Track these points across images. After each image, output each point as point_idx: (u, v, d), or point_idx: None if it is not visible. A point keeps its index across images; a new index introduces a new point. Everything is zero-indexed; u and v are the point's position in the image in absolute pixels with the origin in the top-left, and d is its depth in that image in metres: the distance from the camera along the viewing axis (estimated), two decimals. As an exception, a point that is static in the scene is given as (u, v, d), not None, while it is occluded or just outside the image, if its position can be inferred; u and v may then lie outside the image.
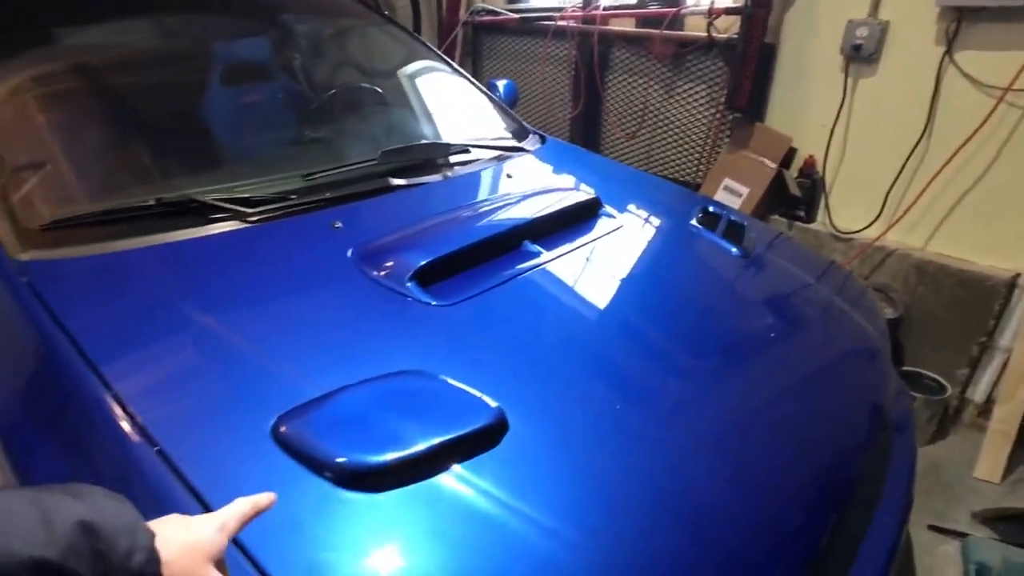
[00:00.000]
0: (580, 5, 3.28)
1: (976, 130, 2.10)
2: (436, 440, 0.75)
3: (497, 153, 1.82)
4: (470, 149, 1.77)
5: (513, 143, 1.96)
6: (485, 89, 2.34)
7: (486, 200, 1.45)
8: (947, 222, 2.32)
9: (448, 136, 2.02)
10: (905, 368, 2.43)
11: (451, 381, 0.84)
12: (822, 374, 1.29)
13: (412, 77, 2.33)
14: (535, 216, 1.35)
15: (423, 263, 1.06)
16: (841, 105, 2.44)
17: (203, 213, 1.18)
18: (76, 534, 0.46)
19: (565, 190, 1.58)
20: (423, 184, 1.49)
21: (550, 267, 1.24)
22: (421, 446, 0.74)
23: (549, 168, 1.84)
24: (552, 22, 3.39)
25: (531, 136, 2.10)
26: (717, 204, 1.85)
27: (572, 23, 3.29)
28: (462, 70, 2.31)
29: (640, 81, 3.18)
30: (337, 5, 2.27)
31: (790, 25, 2.53)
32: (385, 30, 2.33)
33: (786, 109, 2.66)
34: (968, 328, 2.29)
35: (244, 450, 0.76)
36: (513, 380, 0.93)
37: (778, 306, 1.44)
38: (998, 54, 2.02)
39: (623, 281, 1.28)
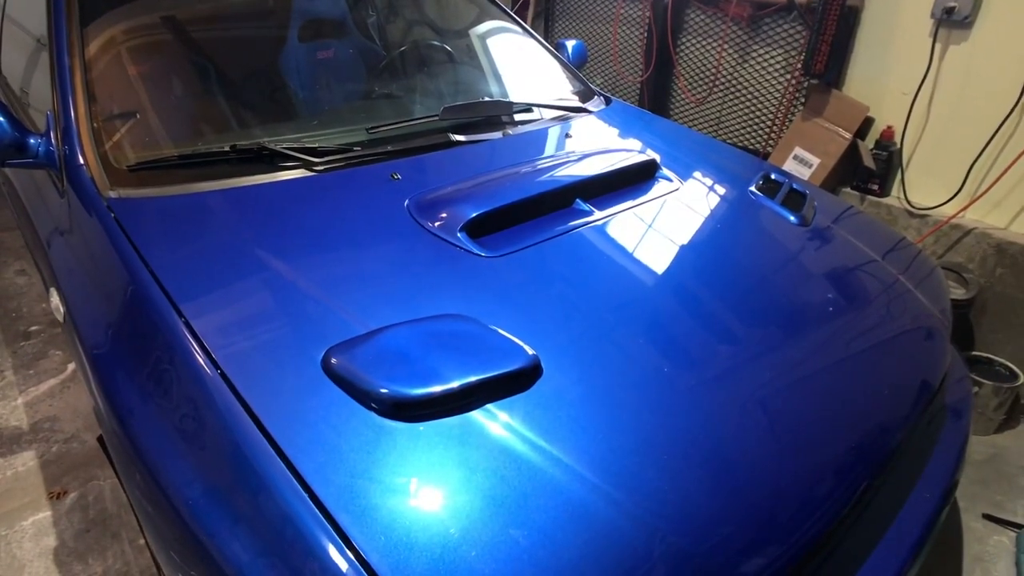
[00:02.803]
0: (656, -36, 3.18)
1: (1075, 102, 1.95)
2: (473, 378, 0.80)
3: (560, 113, 1.83)
4: (532, 108, 1.79)
5: (577, 103, 1.96)
6: (553, 49, 2.33)
7: (543, 158, 1.48)
8: (1033, 203, 2.18)
9: (512, 95, 2.05)
10: (975, 353, 2.33)
11: (492, 327, 0.88)
12: (871, 348, 1.27)
13: (481, 37, 2.35)
14: (589, 175, 1.36)
15: (473, 215, 1.11)
16: (927, 72, 2.31)
17: (273, 161, 1.26)
18: None
19: (623, 151, 1.58)
20: (483, 141, 1.53)
21: (600, 226, 1.25)
22: (458, 383, 0.79)
23: (611, 130, 1.84)
24: (627, -20, 3.30)
25: (596, 98, 2.09)
26: (780, 171, 1.81)
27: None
28: (531, 30, 2.30)
29: (714, 44, 3.08)
30: None
31: (878, -15, 2.40)
32: None
33: (866, 76, 2.53)
34: (1047, 315, 2.17)
35: (299, 381, 0.83)
36: (553, 331, 0.96)
37: (833, 277, 1.41)
38: (1107, 19, 1.86)
39: (674, 244, 1.29)
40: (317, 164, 1.26)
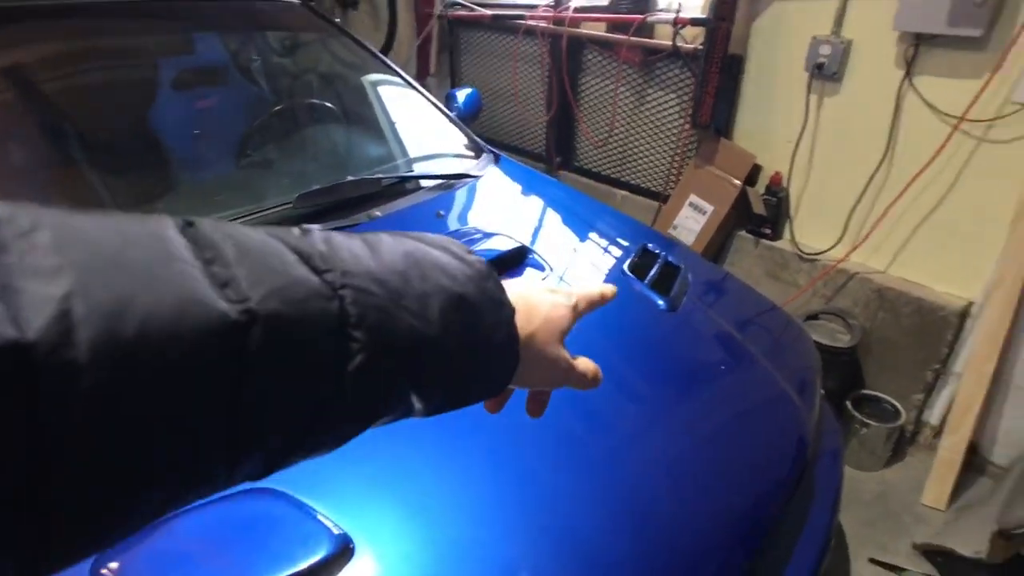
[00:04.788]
0: (551, 5, 3.19)
1: (933, 157, 2.04)
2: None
3: (437, 183, 1.78)
4: (407, 181, 1.74)
5: (459, 168, 1.91)
6: (439, 104, 2.28)
7: None
8: (907, 248, 2.27)
9: (390, 162, 1.98)
10: (864, 392, 2.41)
11: (301, 501, 0.81)
12: (736, 429, 1.28)
13: (353, 96, 2.28)
14: None
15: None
16: (805, 123, 2.38)
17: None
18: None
19: (492, 236, 1.54)
20: (343, 230, 1.45)
21: None
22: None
23: (488, 201, 1.80)
24: (523, 21, 3.30)
25: (483, 157, 2.05)
26: (660, 239, 1.82)
27: (543, 23, 3.20)
28: (413, 82, 2.24)
29: (612, 86, 3.10)
30: (269, 14, 2.15)
31: (757, 38, 2.46)
32: (325, 41, 2.25)
33: (753, 123, 2.60)
34: (924, 355, 2.26)
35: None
36: (382, 487, 0.88)
37: (702, 358, 1.42)
38: (954, 81, 1.95)
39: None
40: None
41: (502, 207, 1.78)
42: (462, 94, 2.44)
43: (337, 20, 4.69)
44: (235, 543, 0.73)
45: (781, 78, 2.41)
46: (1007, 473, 2.11)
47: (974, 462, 2.27)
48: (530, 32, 3.31)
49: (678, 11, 2.53)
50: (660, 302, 1.46)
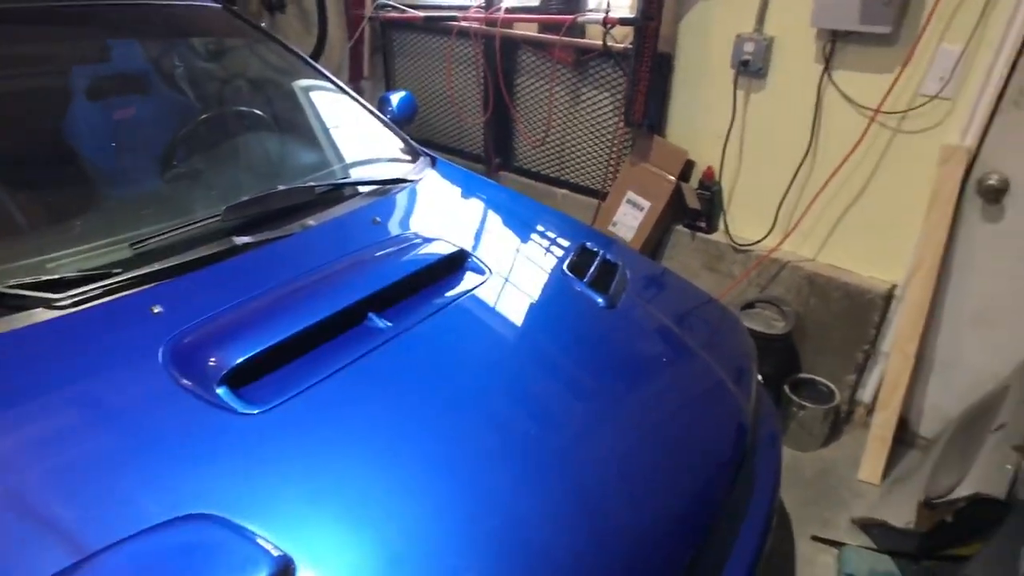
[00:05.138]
0: (483, 6, 3.18)
1: (853, 148, 2.14)
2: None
3: (375, 188, 1.75)
4: (341, 188, 1.70)
5: (396, 173, 1.88)
6: (372, 108, 2.24)
7: (337, 261, 1.35)
8: (834, 235, 2.37)
9: (325, 169, 1.94)
10: (800, 376, 2.50)
11: (238, 525, 0.78)
12: (680, 415, 1.32)
13: (282, 102, 2.22)
14: (387, 282, 1.27)
15: (237, 362, 0.98)
16: (733, 118, 2.45)
17: (-1, 302, 1.06)
18: None
19: (430, 241, 1.53)
20: (276, 240, 1.41)
21: (394, 346, 1.16)
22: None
23: (426, 205, 1.78)
24: (455, 22, 3.29)
25: (420, 160, 2.03)
26: (599, 237, 1.84)
27: (475, 24, 3.19)
28: (344, 86, 2.20)
29: (547, 86, 3.12)
30: (188, 18, 2.06)
31: (684, 36, 2.52)
32: (251, 46, 2.18)
33: (686, 120, 2.66)
34: (854, 337, 2.36)
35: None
36: (320, 510, 0.85)
37: (642, 353, 1.44)
38: (869, 76, 2.05)
39: (475, 354, 1.24)
40: (58, 302, 1.09)
41: (440, 211, 1.76)
42: (396, 97, 2.40)
43: (263, 24, 4.57)
44: (171, 574, 0.70)
45: (709, 75, 2.48)
46: (934, 445, 2.23)
47: (904, 436, 2.39)
48: (463, 33, 3.30)
49: (607, 11, 2.57)
50: (599, 300, 1.48)
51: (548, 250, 1.70)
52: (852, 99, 2.12)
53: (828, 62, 2.12)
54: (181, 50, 2.06)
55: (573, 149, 3.18)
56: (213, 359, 1.00)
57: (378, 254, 1.44)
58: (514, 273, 1.54)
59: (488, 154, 3.57)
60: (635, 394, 1.29)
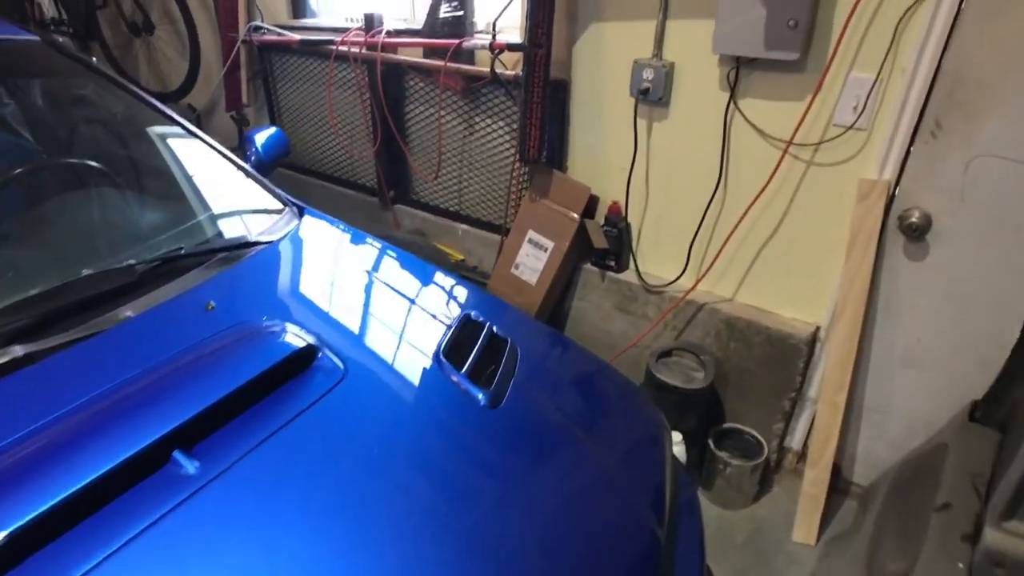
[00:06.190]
0: (363, 29, 2.86)
1: (767, 183, 1.95)
2: None
3: (222, 256, 1.42)
4: (176, 261, 1.36)
5: (253, 232, 1.56)
6: (227, 152, 1.88)
7: (146, 373, 1.03)
8: (752, 275, 2.18)
9: (151, 241, 1.57)
10: (726, 426, 2.30)
11: None
12: (577, 532, 1.05)
13: (111, 152, 1.84)
14: (202, 406, 0.95)
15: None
16: (635, 150, 2.23)
17: None
18: None
19: (273, 333, 1.20)
20: (72, 345, 1.07)
21: (204, 496, 0.84)
22: None
23: (278, 277, 1.45)
24: (333, 46, 2.95)
25: (284, 214, 1.70)
26: (484, 304, 1.55)
27: (355, 48, 2.86)
28: (191, 127, 1.84)
29: (438, 114, 2.83)
30: None
31: (579, 62, 2.28)
32: (77, 84, 1.80)
33: (586, 151, 2.42)
34: (779, 383, 2.18)
35: None
36: None
37: (533, 458, 1.17)
38: (778, 104, 1.86)
39: (313, 501, 0.91)
40: None
41: (295, 283, 1.44)
42: (262, 137, 2.07)
43: (137, 46, 4.07)
44: None
45: (608, 104, 2.25)
46: (869, 495, 2.07)
47: (838, 484, 2.23)
48: (342, 58, 2.96)
49: (494, 35, 2.30)
50: (480, 397, 1.19)
51: (425, 327, 1.40)
52: (762, 130, 1.93)
53: (733, 90, 1.92)
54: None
55: (471, 182, 2.89)
56: None
57: (203, 358, 1.11)
58: (378, 368, 1.24)
59: (381, 187, 3.24)
60: (530, 508, 1.03)
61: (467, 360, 1.28)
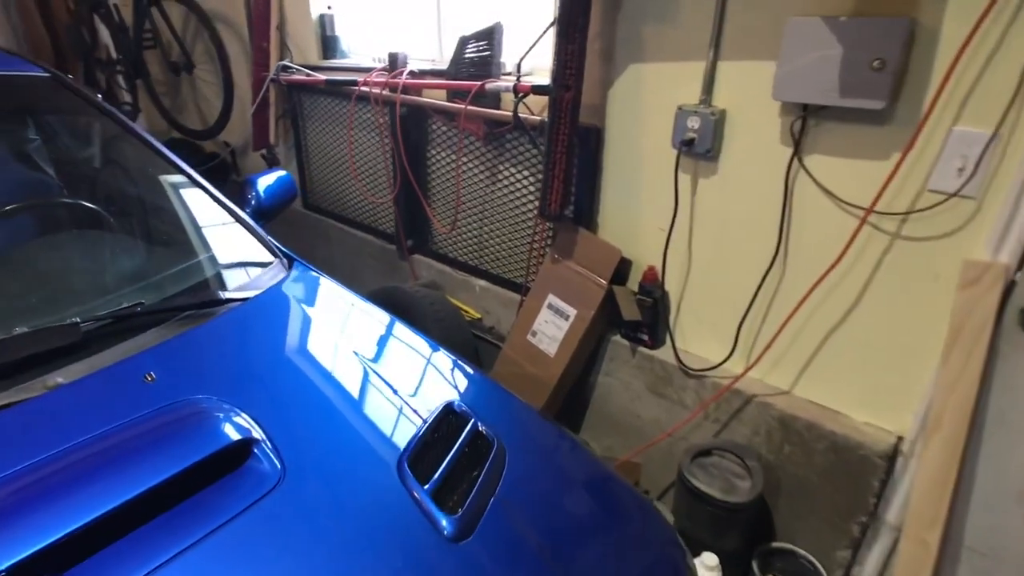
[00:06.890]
0: (385, 69, 2.66)
1: (839, 258, 1.58)
2: None
3: (181, 316, 1.21)
4: (129, 319, 1.15)
5: (231, 285, 1.40)
6: (222, 198, 1.70)
7: (49, 462, 0.83)
8: (815, 366, 1.78)
9: (113, 294, 1.33)
10: (775, 545, 1.88)
11: None
12: None
13: (97, 195, 1.73)
14: (95, 513, 0.73)
15: None
16: (676, 209, 1.89)
17: None
18: None
19: (209, 418, 0.93)
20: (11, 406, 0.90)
21: None
22: None
23: (243, 343, 1.20)
24: (356, 87, 2.75)
25: (272, 267, 1.49)
26: (474, 387, 1.23)
27: (376, 89, 2.65)
28: (190, 171, 1.66)
29: (458, 161, 2.57)
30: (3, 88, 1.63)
31: (614, 107, 1.98)
32: (77, 122, 1.73)
33: (619, 208, 2.10)
34: (847, 503, 1.76)
35: None
36: None
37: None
38: (855, 163, 1.51)
39: None
40: None
41: (259, 353, 1.19)
42: (265, 180, 1.89)
43: (127, 95, 4.09)
44: None
45: (646, 155, 1.94)
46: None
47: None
48: (364, 99, 2.76)
49: (518, 76, 2.03)
50: (444, 523, 0.87)
51: (397, 420, 1.09)
52: (833, 193, 1.57)
53: (798, 144, 1.57)
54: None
55: (492, 235, 2.60)
56: None
57: (115, 447, 0.89)
58: (325, 474, 0.94)
59: (399, 235, 2.99)
60: None
61: (437, 470, 0.97)
